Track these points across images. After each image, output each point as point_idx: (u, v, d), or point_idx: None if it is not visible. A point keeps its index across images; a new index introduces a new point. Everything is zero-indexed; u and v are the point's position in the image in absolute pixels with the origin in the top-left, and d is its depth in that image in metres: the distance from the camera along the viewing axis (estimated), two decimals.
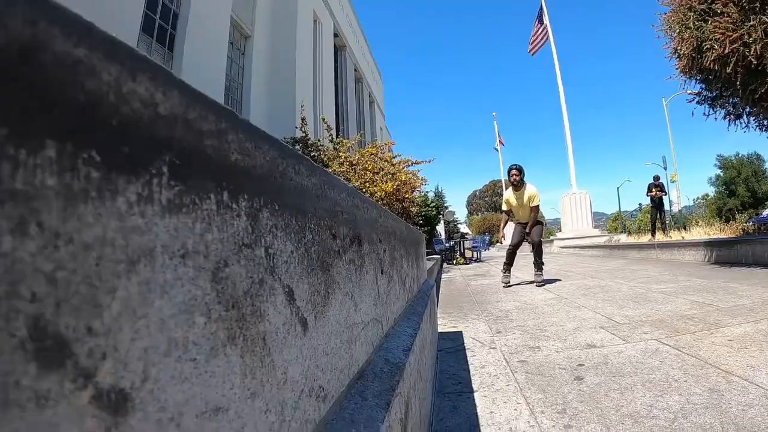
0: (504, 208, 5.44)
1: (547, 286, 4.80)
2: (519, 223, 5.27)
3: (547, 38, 17.93)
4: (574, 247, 15.06)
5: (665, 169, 24.30)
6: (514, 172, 5.10)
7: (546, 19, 18.18)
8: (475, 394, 1.71)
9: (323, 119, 7.44)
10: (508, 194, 5.30)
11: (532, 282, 5.21)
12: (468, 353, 2.35)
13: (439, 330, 3.01)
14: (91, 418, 0.20)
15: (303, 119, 6.95)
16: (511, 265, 5.31)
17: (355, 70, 21.72)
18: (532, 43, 18.60)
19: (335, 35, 19.17)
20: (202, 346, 0.27)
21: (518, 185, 5.11)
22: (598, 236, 15.94)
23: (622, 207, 31.14)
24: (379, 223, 0.97)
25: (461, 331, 2.93)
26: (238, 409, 0.31)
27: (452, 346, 2.54)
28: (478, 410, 1.56)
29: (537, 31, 18.42)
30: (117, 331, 0.21)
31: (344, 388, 0.60)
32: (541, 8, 18.38)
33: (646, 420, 1.32)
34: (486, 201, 67.49)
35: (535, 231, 5.16)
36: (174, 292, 0.25)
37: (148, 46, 8.78)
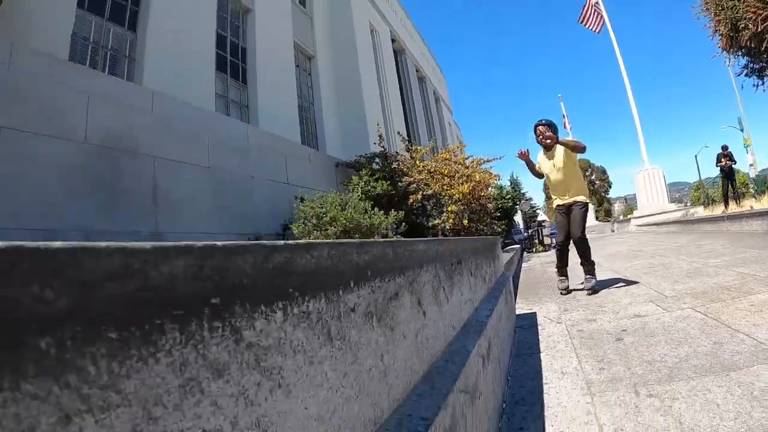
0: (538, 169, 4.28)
1: (615, 266, 5.17)
2: (559, 207, 4.11)
3: (601, 14, 17.31)
4: (650, 224, 14.66)
5: (741, 131, 22.41)
6: (541, 129, 3.97)
7: None
8: (541, 354, 2.41)
9: (398, 133, 8.32)
10: (540, 159, 4.20)
11: (582, 289, 4.00)
12: (539, 328, 3.02)
13: (518, 312, 3.68)
14: (413, 312, 0.99)
15: (380, 136, 7.85)
16: (566, 266, 4.22)
17: (417, 71, 22.32)
18: (583, 16, 17.97)
19: (393, 40, 19.82)
20: (439, 302, 1.06)
21: (551, 147, 4.00)
22: (674, 211, 15.35)
23: (704, 174, 28.93)
24: (468, 248, 1.73)
25: (535, 312, 3.58)
26: (437, 323, 1.10)
27: (527, 323, 3.22)
28: (542, 363, 2.26)
29: (587, 3, 17.82)
30: (450, 295, 1.00)
31: (459, 329, 1.37)
32: None
33: (658, 363, 1.95)
34: None
35: (574, 221, 3.95)
36: (427, 288, 1.04)
37: (224, 82, 9.88)
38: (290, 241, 0.48)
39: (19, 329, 0.24)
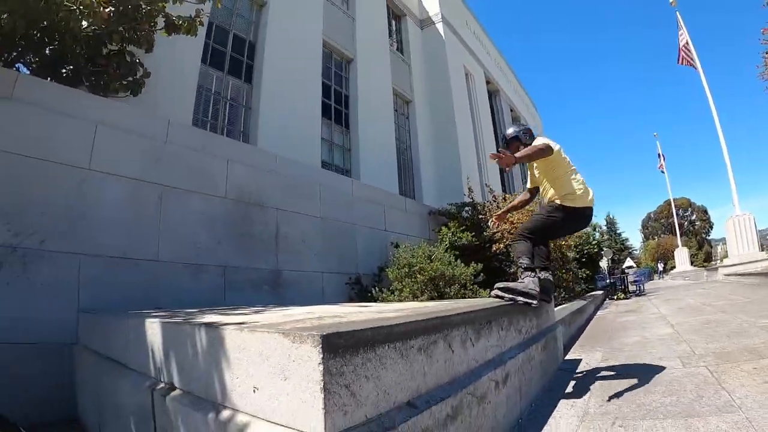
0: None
1: (675, 321, 5.44)
2: None
3: (691, 58, 16.76)
4: (737, 274, 13.61)
5: None
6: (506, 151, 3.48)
7: (685, 34, 16.99)
8: (566, 391, 3.17)
9: (487, 185, 9.22)
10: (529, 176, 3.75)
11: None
12: (576, 372, 3.72)
13: (567, 357, 4.35)
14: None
15: (470, 188, 8.81)
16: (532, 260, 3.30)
17: (511, 110, 22.77)
18: (681, 58, 17.44)
19: (487, 82, 20.50)
20: (465, 347, 2.01)
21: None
22: (763, 260, 13.98)
23: None
24: (498, 311, 2.64)
25: (581, 359, 4.23)
26: (461, 356, 2.04)
27: (569, 367, 3.92)
28: (563, 398, 3.03)
29: (680, 43, 17.32)
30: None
31: (481, 363, 2.28)
32: (678, 21, 17.38)
33: (645, 406, 2.64)
34: (662, 223, 59.68)
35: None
36: (456, 338, 2.00)
37: (328, 127, 11.10)
38: (392, 319, 1.50)
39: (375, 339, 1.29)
